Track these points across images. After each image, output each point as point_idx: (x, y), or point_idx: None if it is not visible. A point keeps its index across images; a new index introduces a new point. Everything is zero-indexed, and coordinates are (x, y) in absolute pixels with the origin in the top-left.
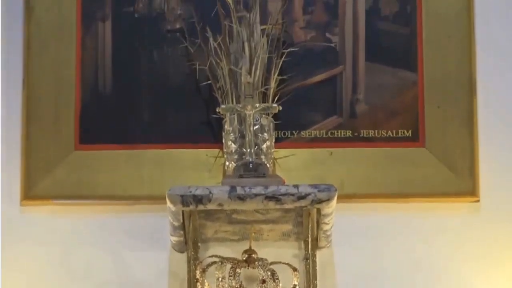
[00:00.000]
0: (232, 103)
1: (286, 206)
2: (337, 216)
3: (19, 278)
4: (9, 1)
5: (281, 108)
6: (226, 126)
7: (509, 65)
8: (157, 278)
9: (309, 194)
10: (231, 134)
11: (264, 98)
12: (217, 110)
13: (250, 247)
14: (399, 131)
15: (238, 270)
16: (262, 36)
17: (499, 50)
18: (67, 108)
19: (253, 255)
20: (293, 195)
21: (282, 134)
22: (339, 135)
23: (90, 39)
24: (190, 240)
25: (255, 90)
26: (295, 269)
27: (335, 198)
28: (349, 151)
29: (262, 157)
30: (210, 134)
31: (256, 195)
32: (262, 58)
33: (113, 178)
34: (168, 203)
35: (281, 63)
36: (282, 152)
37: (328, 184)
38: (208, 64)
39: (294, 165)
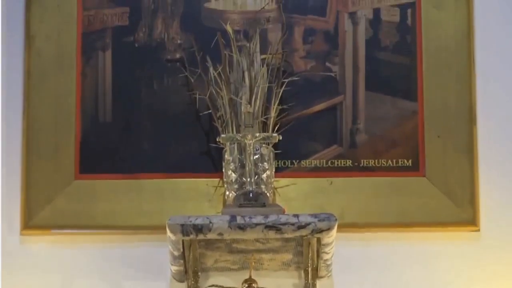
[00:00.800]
0: (232, 132)
1: (286, 236)
2: (338, 246)
3: None
4: (10, 30)
5: (281, 137)
6: (226, 156)
7: (509, 95)
8: None
9: (309, 223)
10: (231, 163)
11: (264, 127)
12: (217, 140)
13: (250, 276)
14: (399, 160)
15: None
16: (262, 66)
17: (499, 80)
18: (67, 137)
19: (253, 285)
20: (293, 224)
21: (282, 163)
22: (339, 165)
23: (90, 69)
24: (190, 270)
25: (255, 120)
26: None
27: (335, 227)
28: (349, 181)
29: (262, 186)
30: (210, 163)
31: (256, 224)
32: (262, 87)
33: (113, 207)
34: (168, 233)
35: (281, 92)
36: (283, 181)
37: (329, 214)
38: (208, 93)
39: (294, 194)
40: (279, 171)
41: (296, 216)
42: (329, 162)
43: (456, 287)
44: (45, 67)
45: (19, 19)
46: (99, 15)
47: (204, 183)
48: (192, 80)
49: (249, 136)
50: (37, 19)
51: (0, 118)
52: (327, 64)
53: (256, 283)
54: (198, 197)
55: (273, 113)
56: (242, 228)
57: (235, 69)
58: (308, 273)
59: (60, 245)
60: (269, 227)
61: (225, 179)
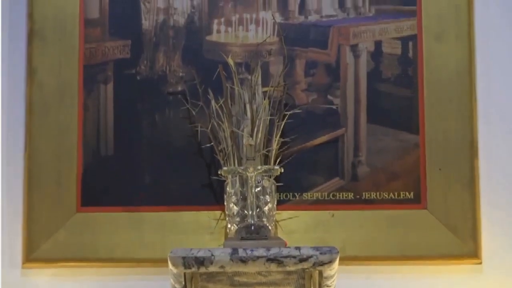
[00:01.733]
0: (234, 165)
1: (288, 269)
2: (340, 279)
3: None
4: (11, 63)
5: (283, 170)
6: (228, 188)
7: (510, 128)
8: None
9: (311, 256)
10: (233, 196)
11: (266, 160)
12: (218, 172)
13: None
14: (401, 193)
15: None
16: (264, 98)
17: (500, 113)
18: (68, 170)
19: None
20: (295, 257)
21: (284, 196)
22: (341, 198)
23: (92, 101)
24: None
25: (257, 152)
26: None
27: (337, 260)
28: (351, 214)
29: (264, 219)
30: (212, 196)
31: (258, 257)
32: (264, 120)
33: (115, 240)
34: (170, 266)
35: (283, 125)
36: (284, 214)
37: (330, 246)
38: (210, 126)
39: (296, 227)
40: (281, 203)
41: (298, 249)
42: (331, 194)
43: None
44: (46, 100)
45: (21, 52)
46: (101, 48)
47: (205, 216)
48: (194, 113)
49: (251, 169)
50: (39, 52)
51: (2, 150)
52: (329, 96)
53: None
54: (200, 230)
55: (275, 146)
56: (244, 261)
57: (237, 101)
58: None
59: (61, 278)
60: (271, 260)
61: (227, 212)
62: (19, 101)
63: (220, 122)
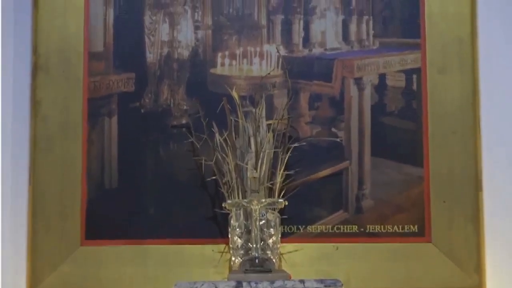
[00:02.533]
0: (238, 198)
1: None
2: None
3: None
4: (16, 96)
5: (287, 203)
6: (232, 221)
7: None
8: None
9: None
10: (237, 229)
11: (270, 193)
12: (223, 205)
13: None
14: (405, 226)
15: None
16: (268, 131)
17: (504, 146)
18: (73, 203)
19: None
20: None
21: (288, 229)
22: (345, 230)
23: (96, 135)
24: None
25: (261, 185)
26: None
27: None
28: (355, 247)
29: (268, 252)
30: (216, 229)
31: None
32: (268, 153)
33: (119, 274)
34: None
35: (287, 158)
36: (288, 247)
37: (334, 279)
38: (214, 159)
39: (300, 260)
40: (285, 236)
41: (302, 281)
42: (335, 227)
43: None
44: (51, 133)
45: (25, 85)
46: (105, 81)
47: (210, 249)
48: (198, 146)
49: (255, 202)
50: (43, 85)
51: (6, 183)
52: (333, 129)
53: None
54: (204, 263)
55: (279, 179)
56: None
57: (241, 134)
58: None
59: None
60: None
61: (231, 245)
62: (24, 134)
63: (224, 155)
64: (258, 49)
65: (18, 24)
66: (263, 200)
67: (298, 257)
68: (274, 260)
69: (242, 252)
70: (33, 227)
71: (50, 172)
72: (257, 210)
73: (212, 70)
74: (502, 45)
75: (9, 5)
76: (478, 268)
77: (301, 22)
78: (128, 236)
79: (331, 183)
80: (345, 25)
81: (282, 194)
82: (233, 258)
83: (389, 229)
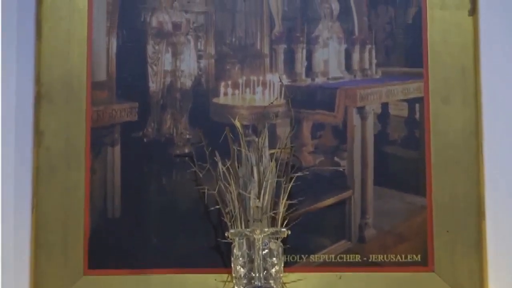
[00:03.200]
0: (241, 227)
1: None
2: None
3: None
4: (19, 126)
5: (290, 232)
6: (235, 251)
7: None
8: None
9: None
10: (240, 258)
11: (273, 222)
12: (225, 235)
13: None
14: (408, 255)
15: None
16: (271, 161)
17: (507, 175)
18: (75, 232)
19: None
20: None
21: (291, 258)
22: (348, 260)
23: (99, 164)
24: None
25: (264, 215)
26: None
27: None
28: (358, 276)
29: (271, 281)
30: (219, 258)
31: None
32: (271, 182)
33: None
34: None
35: (290, 187)
36: (291, 276)
37: None
38: (216, 188)
39: None
40: (288, 265)
41: None
42: (338, 257)
43: None
44: (53, 162)
45: (28, 114)
46: (108, 111)
47: (212, 278)
48: (201, 175)
49: (258, 231)
50: (46, 114)
51: (9, 212)
52: (336, 158)
53: None
54: None
55: (281, 208)
56: None
57: (243, 164)
58: None
59: None
60: None
61: (234, 274)
62: (26, 164)
63: (227, 184)
64: (260, 78)
65: (21, 53)
66: (266, 229)
67: (301, 287)
68: None
69: (245, 281)
70: (36, 257)
71: (53, 201)
72: (260, 239)
73: (215, 100)
74: (505, 75)
75: (12, 34)
76: None
77: (304, 51)
78: (131, 265)
79: (334, 212)
80: (348, 54)
81: (285, 223)
82: None
83: (392, 259)
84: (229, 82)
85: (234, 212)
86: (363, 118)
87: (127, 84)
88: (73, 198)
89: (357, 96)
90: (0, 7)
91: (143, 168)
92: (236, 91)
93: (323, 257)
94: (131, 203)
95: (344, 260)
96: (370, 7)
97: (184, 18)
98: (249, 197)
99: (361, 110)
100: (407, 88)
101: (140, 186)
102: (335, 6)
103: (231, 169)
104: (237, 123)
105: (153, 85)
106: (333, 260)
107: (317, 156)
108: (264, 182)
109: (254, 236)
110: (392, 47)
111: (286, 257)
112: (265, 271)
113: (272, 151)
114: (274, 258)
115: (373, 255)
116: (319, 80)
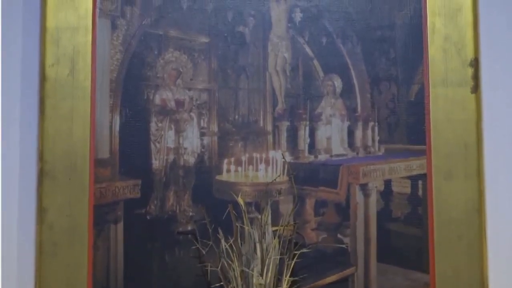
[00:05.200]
0: None
1: None
2: None
3: None
4: (22, 202)
5: None
6: None
7: None
8: None
9: None
10: None
11: None
12: None
13: None
14: None
15: None
16: (274, 238)
17: (510, 251)
18: None
19: None
20: None
21: None
22: None
23: (102, 241)
24: None
25: None
26: None
27: None
28: None
29: None
30: None
31: None
32: (274, 259)
33: None
34: None
35: (293, 264)
36: None
37: None
38: (220, 265)
39: None
40: None
41: None
42: None
43: None
44: (56, 240)
45: (31, 191)
46: (111, 188)
47: None
48: (204, 252)
49: None
50: (49, 191)
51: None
52: (339, 235)
53: None
54: None
55: (285, 285)
56: None
57: (246, 241)
58: None
59: None
60: None
61: None
62: (29, 241)
63: (230, 262)
64: (263, 155)
65: (24, 130)
66: None
67: None
68: None
69: None
70: None
71: (56, 278)
72: None
73: (218, 177)
74: (507, 152)
75: (15, 112)
76: None
77: (307, 128)
78: None
79: None
80: (351, 132)
81: None
82: None
83: None
84: (232, 159)
85: None
86: (366, 195)
87: (130, 161)
88: (76, 275)
89: (360, 173)
90: (3, 85)
91: (146, 245)
92: (239, 168)
93: None
94: (134, 280)
95: None
96: (373, 84)
97: (187, 95)
98: (252, 274)
99: (364, 187)
100: (410, 165)
101: (143, 263)
102: (338, 84)
103: (234, 246)
104: (240, 200)
105: (156, 162)
106: None
107: (320, 233)
108: (267, 259)
109: None
110: (395, 124)
111: None
112: None
113: (275, 228)
114: None
115: None
116: (322, 157)
